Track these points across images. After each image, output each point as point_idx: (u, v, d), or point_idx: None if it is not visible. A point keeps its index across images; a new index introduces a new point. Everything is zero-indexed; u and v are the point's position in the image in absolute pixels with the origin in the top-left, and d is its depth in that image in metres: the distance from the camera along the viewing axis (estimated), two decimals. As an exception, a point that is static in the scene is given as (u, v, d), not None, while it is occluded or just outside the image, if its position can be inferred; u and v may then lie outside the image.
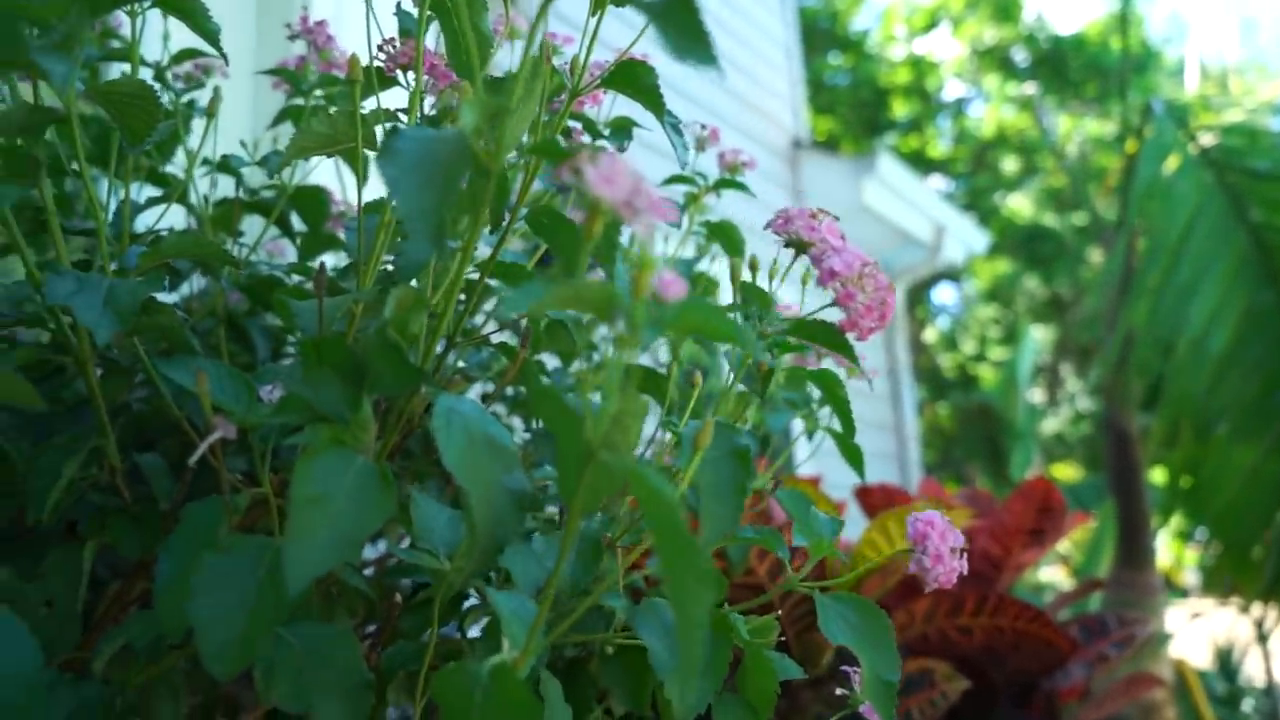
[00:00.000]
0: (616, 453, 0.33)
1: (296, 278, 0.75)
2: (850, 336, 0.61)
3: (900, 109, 12.09)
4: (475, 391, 0.95)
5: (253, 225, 0.96)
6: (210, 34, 0.53)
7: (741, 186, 0.86)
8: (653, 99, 0.51)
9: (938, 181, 11.94)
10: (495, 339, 0.68)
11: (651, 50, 0.56)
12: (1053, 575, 6.46)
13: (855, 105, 11.89)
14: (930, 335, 12.12)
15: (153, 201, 0.75)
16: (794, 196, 5.00)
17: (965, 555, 0.64)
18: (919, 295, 11.07)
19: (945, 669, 1.18)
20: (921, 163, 11.57)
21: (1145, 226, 2.98)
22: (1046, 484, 1.47)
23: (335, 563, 0.32)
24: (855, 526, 1.09)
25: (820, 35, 11.97)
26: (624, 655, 0.67)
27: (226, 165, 0.78)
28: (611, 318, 0.30)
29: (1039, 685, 1.34)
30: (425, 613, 0.65)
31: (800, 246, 0.63)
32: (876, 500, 1.68)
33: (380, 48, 0.57)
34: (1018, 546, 1.49)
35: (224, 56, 0.55)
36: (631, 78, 0.50)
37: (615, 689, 0.67)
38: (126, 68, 0.62)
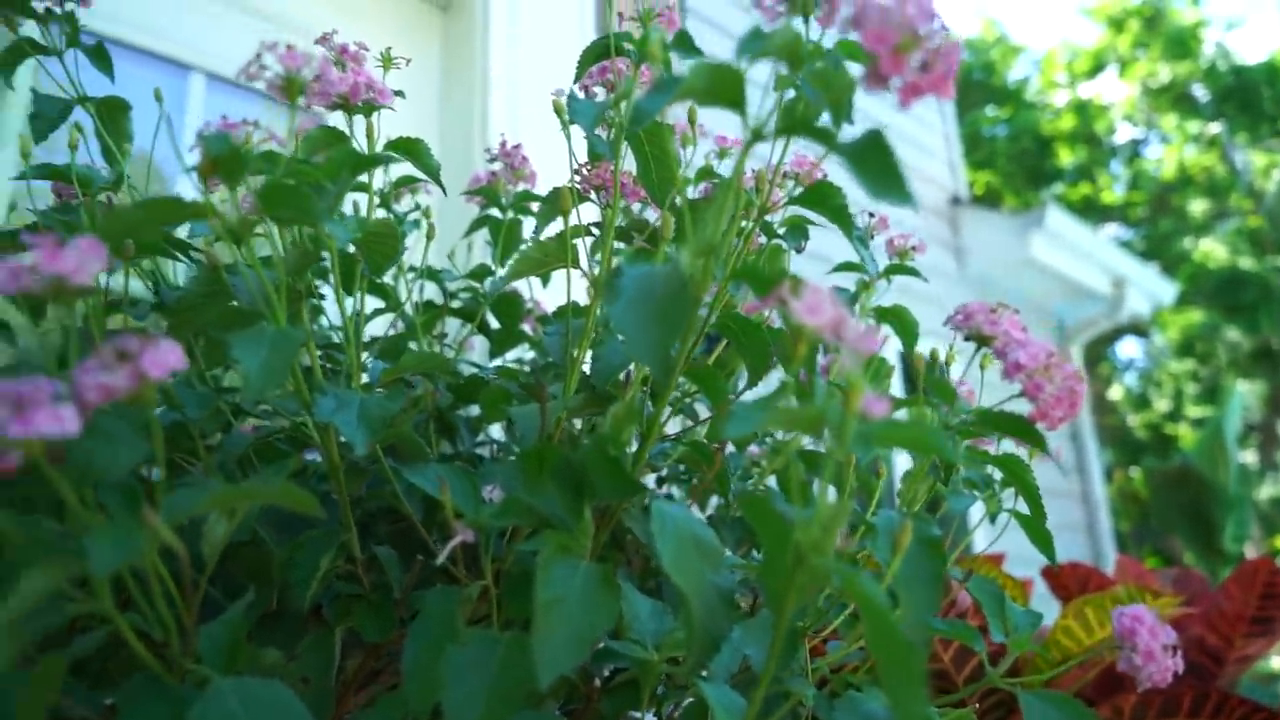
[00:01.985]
0: (826, 556, 0.35)
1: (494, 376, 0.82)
2: (1040, 426, 0.60)
3: (1066, 156, 11.54)
4: (649, 479, 0.99)
5: (450, 323, 1.07)
6: (433, 171, 0.61)
7: (913, 272, 0.87)
8: (842, 219, 0.54)
9: (1113, 229, 11.23)
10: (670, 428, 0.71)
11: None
12: (1282, 663, 5.68)
13: (1015, 156, 11.47)
14: (1116, 393, 11.24)
15: (378, 312, 0.84)
16: (955, 254, 4.87)
17: (1178, 652, 0.60)
18: (1100, 351, 10.34)
19: (1163, 772, 1.08)
20: (1094, 211, 10.96)
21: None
22: (1271, 565, 1.33)
23: (576, 662, 0.36)
24: (1041, 604, 1.03)
25: (975, 88, 11.71)
26: (812, 746, 0.66)
27: (436, 276, 0.87)
28: (821, 435, 0.32)
29: (1277, 796, 1.20)
30: (623, 696, 0.68)
31: (982, 340, 0.63)
32: (1068, 580, 1.57)
33: (576, 171, 0.63)
34: (1240, 637, 1.35)
35: (443, 189, 0.62)
36: (820, 198, 0.53)
37: (803, 780, 0.66)
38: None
